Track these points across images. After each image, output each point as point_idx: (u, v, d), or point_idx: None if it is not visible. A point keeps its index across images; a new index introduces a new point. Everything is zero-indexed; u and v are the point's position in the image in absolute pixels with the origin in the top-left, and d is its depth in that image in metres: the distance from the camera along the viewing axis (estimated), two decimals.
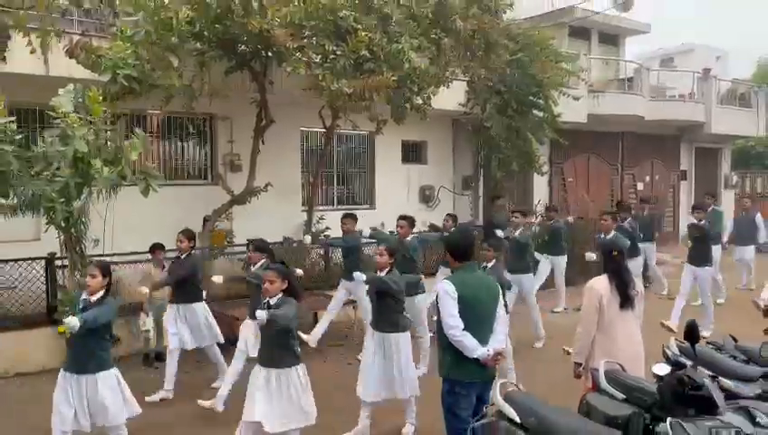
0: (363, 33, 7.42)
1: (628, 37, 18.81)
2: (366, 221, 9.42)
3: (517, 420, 3.52)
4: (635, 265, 9.33)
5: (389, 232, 9.13)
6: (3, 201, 6.39)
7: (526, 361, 7.18)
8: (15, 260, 7.62)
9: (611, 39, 18.21)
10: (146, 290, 6.87)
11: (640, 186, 17.40)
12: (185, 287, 6.81)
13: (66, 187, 6.20)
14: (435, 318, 4.47)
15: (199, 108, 8.30)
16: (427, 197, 12.93)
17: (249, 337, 6.08)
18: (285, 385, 4.59)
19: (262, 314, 4.31)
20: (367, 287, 6.05)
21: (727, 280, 11.50)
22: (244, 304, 7.10)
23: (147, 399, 6.45)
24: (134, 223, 8.15)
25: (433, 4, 8.29)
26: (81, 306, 4.69)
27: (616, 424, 3.53)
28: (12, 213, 6.50)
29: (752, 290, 11.56)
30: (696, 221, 9.30)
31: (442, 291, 4.14)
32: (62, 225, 6.76)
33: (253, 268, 6.37)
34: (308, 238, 8.99)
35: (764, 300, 8.44)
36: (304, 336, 6.07)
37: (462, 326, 4.02)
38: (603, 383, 3.91)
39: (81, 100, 6.60)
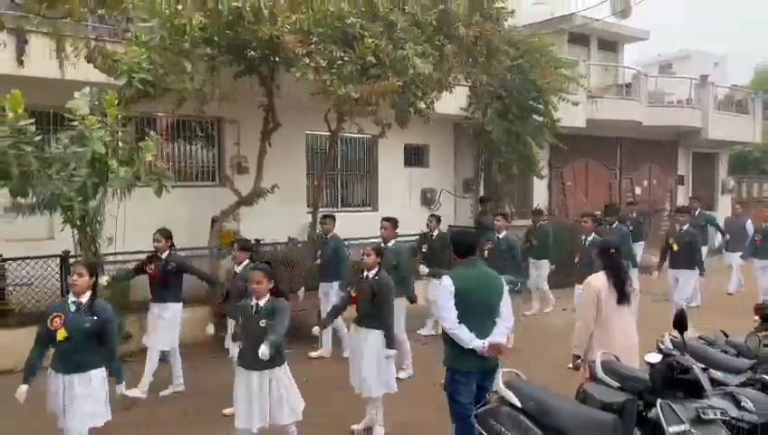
0: (369, 40, 7.66)
1: (626, 44, 19.08)
2: (369, 223, 9.65)
3: (518, 404, 3.76)
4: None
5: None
6: (22, 200, 6.64)
7: (524, 358, 7.39)
8: (31, 258, 7.84)
9: (610, 45, 18.48)
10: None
11: (638, 190, 17.64)
12: (163, 286, 6.71)
13: (84, 186, 6.43)
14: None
15: (208, 111, 8.52)
16: (428, 199, 13.17)
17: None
18: (275, 386, 4.64)
19: (266, 352, 4.28)
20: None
21: (716, 284, 11.64)
22: None
23: (160, 394, 6.70)
24: (144, 222, 8.33)
25: (437, 11, 8.52)
26: (73, 309, 4.47)
27: (611, 410, 3.77)
28: (30, 212, 6.75)
29: (730, 294, 11.79)
30: (680, 224, 9.31)
31: (441, 285, 4.43)
32: (78, 223, 7.02)
33: (237, 268, 6.38)
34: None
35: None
36: (314, 330, 6.21)
37: (455, 319, 4.29)
38: (599, 373, 4.14)
39: (96, 103, 6.87)
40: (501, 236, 8.67)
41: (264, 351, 4.27)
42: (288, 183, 10.46)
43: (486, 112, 11.77)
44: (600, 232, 8.80)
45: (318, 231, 9.33)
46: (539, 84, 11.71)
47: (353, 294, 5.80)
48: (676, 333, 4.10)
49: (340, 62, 7.62)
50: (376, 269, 5.71)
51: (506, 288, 4.61)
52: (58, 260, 7.95)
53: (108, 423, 4.61)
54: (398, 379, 5.93)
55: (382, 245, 7.29)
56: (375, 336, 5.55)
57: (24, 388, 4.41)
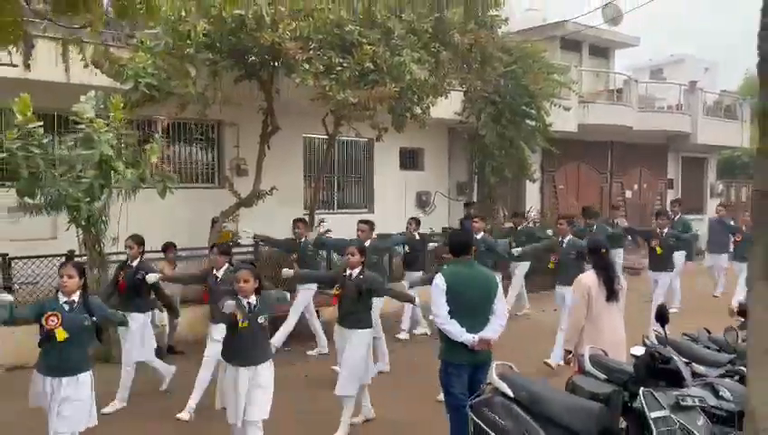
0: (367, 47, 7.90)
1: (617, 50, 19.40)
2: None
3: (511, 394, 3.99)
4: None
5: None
6: (29, 201, 6.83)
7: (513, 356, 7.61)
8: (37, 257, 8.02)
9: (602, 52, 18.79)
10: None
11: (629, 193, 17.95)
12: (130, 295, 6.53)
13: (91, 187, 6.65)
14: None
15: (209, 114, 8.74)
16: (423, 202, 13.40)
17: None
18: (258, 381, 4.67)
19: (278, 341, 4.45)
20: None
21: (698, 287, 11.86)
22: None
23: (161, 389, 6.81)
24: (146, 223, 8.52)
25: (432, 19, 8.76)
26: (67, 308, 4.39)
27: (598, 400, 4.00)
28: (37, 212, 6.94)
29: (716, 296, 11.88)
30: (660, 228, 9.51)
31: (434, 283, 4.68)
32: (83, 224, 7.22)
33: (217, 272, 6.20)
34: (250, 232, 8.81)
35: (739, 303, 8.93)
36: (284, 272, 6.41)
37: (446, 315, 4.53)
38: (588, 366, 4.37)
39: (102, 106, 7.08)
40: (478, 238, 8.75)
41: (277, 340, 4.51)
42: (286, 185, 10.65)
43: (480, 117, 12.03)
44: (579, 234, 9.07)
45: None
46: (531, 90, 11.98)
47: (335, 294, 5.81)
48: (659, 328, 4.34)
49: (339, 67, 7.85)
50: (359, 268, 5.73)
51: (501, 286, 4.84)
52: (63, 259, 8.10)
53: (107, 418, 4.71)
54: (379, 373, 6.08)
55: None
56: (359, 336, 5.60)
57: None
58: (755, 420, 1.85)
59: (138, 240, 6.76)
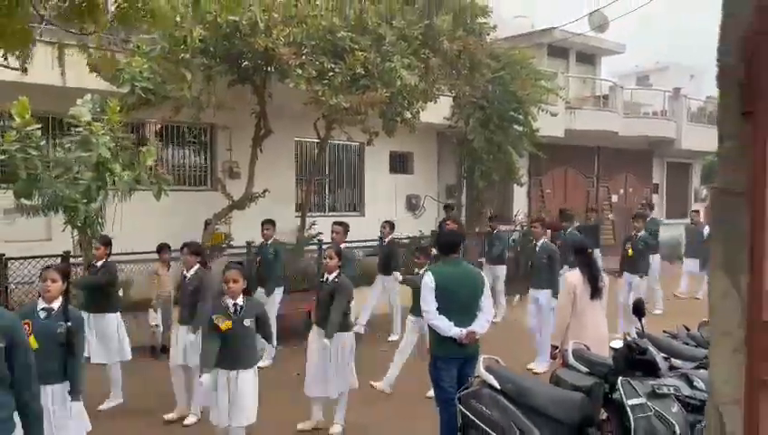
0: (359, 53, 8.09)
1: (604, 57, 19.73)
2: (356, 227, 10.02)
3: (497, 386, 4.18)
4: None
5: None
6: (26, 202, 6.94)
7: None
8: (33, 257, 8.12)
9: (588, 58, 19.11)
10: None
11: (615, 198, 18.24)
12: (97, 296, 6.55)
13: (88, 189, 6.76)
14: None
15: (202, 118, 8.89)
16: (413, 205, 13.60)
17: (187, 345, 5.97)
18: (243, 385, 4.69)
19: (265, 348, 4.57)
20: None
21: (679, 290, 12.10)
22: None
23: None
24: (140, 225, 8.67)
25: (422, 26, 8.98)
26: (42, 316, 4.17)
27: (581, 392, 4.21)
28: (34, 213, 7.05)
29: (697, 299, 11.92)
30: (636, 231, 9.76)
31: (423, 281, 4.90)
32: (79, 225, 7.33)
33: (186, 273, 6.18)
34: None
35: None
36: None
37: (435, 311, 4.74)
38: (570, 360, 4.58)
39: (98, 109, 7.21)
40: None
41: (263, 347, 4.67)
42: (278, 188, 10.81)
43: (469, 122, 12.26)
44: (556, 237, 9.26)
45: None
46: (519, 95, 12.23)
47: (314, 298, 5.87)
48: (633, 325, 4.56)
49: (331, 73, 8.03)
50: (336, 272, 5.73)
51: (488, 284, 5.04)
52: (58, 260, 8.21)
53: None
54: None
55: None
56: (337, 338, 5.60)
57: None
58: (715, 395, 2.04)
59: (104, 241, 6.69)
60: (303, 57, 7.97)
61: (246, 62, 8.44)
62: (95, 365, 6.44)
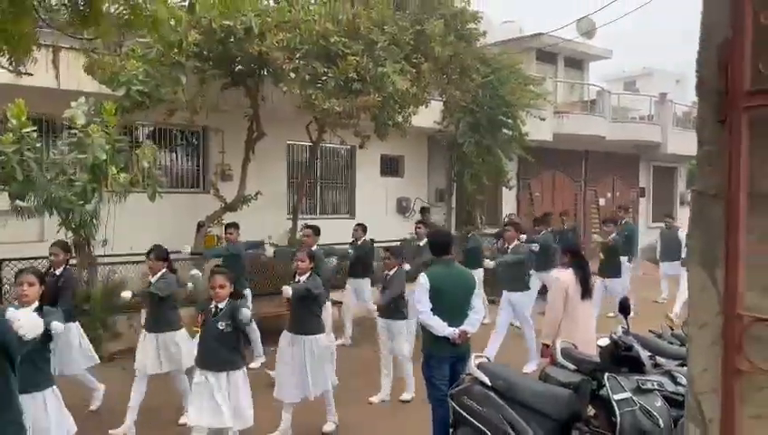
0: (351, 57, 8.22)
1: (591, 62, 19.99)
2: (347, 230, 10.12)
3: (488, 383, 4.30)
4: (548, 277, 9.64)
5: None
6: (21, 204, 7.00)
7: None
8: (26, 259, 8.15)
9: (576, 63, 19.35)
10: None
11: (602, 201, 18.47)
12: (54, 305, 5.97)
13: (83, 191, 6.85)
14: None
15: (195, 120, 8.97)
16: (403, 208, 13.72)
17: (149, 354, 5.84)
18: (234, 389, 4.71)
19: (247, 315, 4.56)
20: None
21: (656, 294, 12.18)
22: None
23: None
24: (133, 226, 8.73)
25: (414, 31, 9.12)
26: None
27: (568, 388, 4.34)
28: (30, 214, 7.11)
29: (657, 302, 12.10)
30: (606, 235, 9.90)
31: (418, 282, 5.03)
32: (74, 226, 7.40)
33: (152, 279, 5.98)
34: (187, 248, 8.60)
35: (676, 315, 9.34)
36: None
37: (429, 311, 4.87)
38: (559, 357, 4.72)
39: (92, 111, 7.30)
40: (422, 244, 8.74)
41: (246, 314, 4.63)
42: (270, 190, 10.90)
43: (459, 126, 12.43)
44: (530, 240, 9.35)
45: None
46: (508, 100, 12.42)
47: (286, 302, 5.75)
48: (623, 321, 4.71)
49: (324, 77, 8.15)
50: (308, 274, 5.71)
51: (477, 284, 5.18)
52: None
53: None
54: None
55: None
56: (311, 340, 5.60)
57: None
58: (694, 385, 2.18)
59: (62, 246, 6.32)
60: (297, 61, 8.09)
61: (240, 66, 8.54)
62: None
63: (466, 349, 4.93)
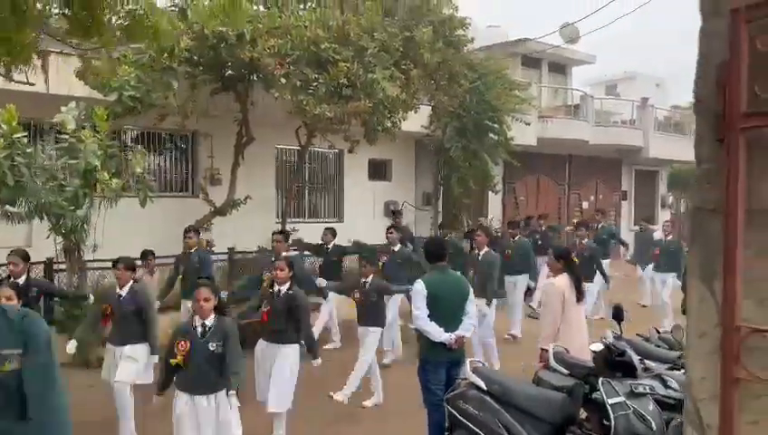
0: (342, 64, 8.28)
1: (575, 67, 20.26)
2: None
3: (484, 387, 4.39)
4: (522, 281, 9.87)
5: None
6: (11, 209, 6.96)
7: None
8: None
9: (560, 68, 19.60)
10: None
11: (585, 204, 18.72)
12: None
13: (75, 196, 6.83)
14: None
15: (186, 125, 8.98)
16: (391, 211, 13.80)
17: (112, 362, 5.61)
18: (223, 410, 4.40)
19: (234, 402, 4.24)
20: None
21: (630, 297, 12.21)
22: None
23: None
24: (123, 231, 8.70)
25: (403, 38, 9.21)
26: None
27: (562, 392, 4.44)
28: (20, 220, 7.07)
29: (644, 306, 12.00)
30: (579, 239, 9.97)
31: (414, 289, 5.09)
32: (64, 232, 7.37)
33: (121, 291, 5.64)
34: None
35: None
36: None
37: (426, 317, 4.94)
38: (552, 362, 4.82)
39: (83, 116, 7.28)
40: (396, 250, 8.64)
41: (234, 402, 4.26)
42: (259, 194, 10.93)
43: (446, 131, 12.55)
44: (504, 245, 9.46)
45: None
46: (494, 105, 12.56)
47: (264, 311, 5.55)
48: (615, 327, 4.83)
49: (315, 83, 8.20)
50: (288, 283, 5.55)
51: (471, 290, 5.27)
52: (42, 266, 8.23)
53: None
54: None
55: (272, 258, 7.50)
56: (287, 351, 5.45)
57: None
58: (693, 392, 2.28)
59: (21, 255, 6.06)
60: (288, 67, 8.13)
61: (230, 71, 8.57)
62: None
63: (461, 354, 5.02)
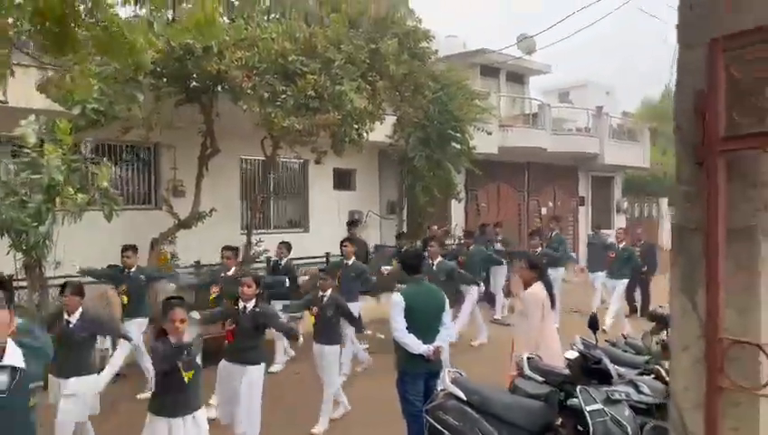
0: (309, 76, 8.30)
1: (531, 76, 20.71)
2: (300, 244, 10.14)
3: (463, 397, 4.47)
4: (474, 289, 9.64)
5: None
6: None
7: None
8: None
9: (518, 78, 20.01)
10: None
11: (544, 210, 19.13)
12: None
13: (38, 212, 6.65)
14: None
15: (146, 137, 8.82)
16: (355, 220, 13.82)
17: (57, 392, 5.25)
18: (201, 429, 4.37)
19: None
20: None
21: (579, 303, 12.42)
22: None
23: None
24: (86, 246, 8.51)
25: (369, 50, 9.29)
26: None
27: (538, 399, 4.56)
28: None
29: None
30: (532, 248, 10.25)
31: (393, 301, 5.14)
32: (24, 248, 7.16)
33: (70, 318, 5.32)
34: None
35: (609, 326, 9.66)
36: None
37: (404, 329, 5.01)
38: (527, 370, 4.94)
39: (44, 130, 7.10)
40: (350, 263, 8.41)
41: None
42: (223, 206, 10.81)
43: (410, 140, 12.67)
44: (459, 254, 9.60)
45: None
46: (457, 115, 12.75)
47: (229, 329, 5.46)
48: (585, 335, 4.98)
49: (283, 95, 8.20)
50: (254, 301, 5.46)
51: (447, 301, 5.36)
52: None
53: None
54: None
55: (222, 274, 7.68)
56: (251, 372, 5.39)
57: None
58: (677, 401, 2.40)
59: None
60: (255, 79, 8.11)
61: (195, 83, 8.49)
62: None
63: (439, 365, 5.10)
